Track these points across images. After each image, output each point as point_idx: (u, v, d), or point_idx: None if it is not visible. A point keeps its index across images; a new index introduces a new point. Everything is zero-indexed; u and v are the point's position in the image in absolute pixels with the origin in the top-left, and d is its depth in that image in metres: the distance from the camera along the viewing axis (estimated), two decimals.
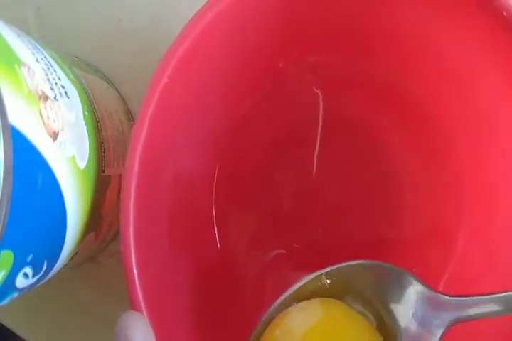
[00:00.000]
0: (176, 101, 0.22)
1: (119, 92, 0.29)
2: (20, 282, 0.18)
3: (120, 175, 0.24)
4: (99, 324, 0.30)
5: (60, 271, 0.22)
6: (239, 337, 0.26)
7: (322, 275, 0.23)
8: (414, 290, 0.22)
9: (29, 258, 0.18)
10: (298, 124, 0.29)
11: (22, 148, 0.16)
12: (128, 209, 0.20)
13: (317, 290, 0.23)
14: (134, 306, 0.20)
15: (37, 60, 0.19)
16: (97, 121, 0.23)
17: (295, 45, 0.26)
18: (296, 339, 0.22)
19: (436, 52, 0.25)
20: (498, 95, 0.24)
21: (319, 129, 0.28)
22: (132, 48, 0.29)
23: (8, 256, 0.16)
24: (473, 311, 0.21)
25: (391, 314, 0.22)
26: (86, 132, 0.21)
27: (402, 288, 0.22)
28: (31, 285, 0.19)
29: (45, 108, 0.18)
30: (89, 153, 0.21)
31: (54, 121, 0.18)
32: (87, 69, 0.26)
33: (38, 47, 0.20)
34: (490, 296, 0.21)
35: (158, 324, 0.20)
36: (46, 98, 0.18)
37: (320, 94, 0.28)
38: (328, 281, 0.23)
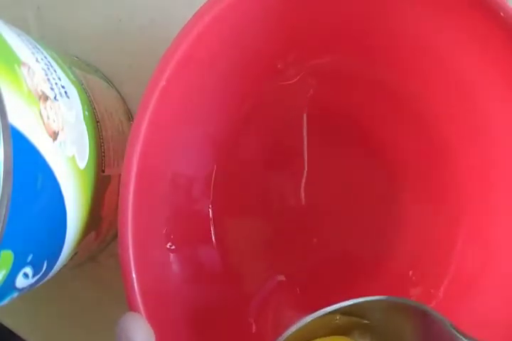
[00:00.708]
0: (174, 102, 0.22)
1: (119, 92, 0.29)
2: (20, 282, 0.18)
3: (120, 175, 0.24)
4: (99, 324, 0.30)
5: (60, 271, 0.22)
6: (237, 338, 0.26)
7: (335, 313, 0.21)
8: (438, 330, 0.20)
9: (29, 258, 0.18)
10: (296, 127, 0.29)
11: (22, 148, 0.16)
12: (126, 211, 0.20)
13: (326, 323, 0.21)
14: (132, 308, 0.20)
15: (37, 60, 0.19)
16: (97, 121, 0.23)
17: (294, 46, 0.26)
18: None
19: (436, 52, 0.25)
20: (497, 95, 0.24)
21: (305, 133, 0.28)
22: (132, 48, 0.29)
23: (8, 256, 0.16)
24: None
25: None
26: (86, 132, 0.21)
27: (426, 327, 0.21)
28: (31, 285, 0.19)
29: (45, 108, 0.18)
30: (89, 153, 0.21)
31: (54, 121, 0.18)
32: (87, 69, 0.26)
33: (38, 47, 0.20)
34: None
35: (157, 325, 0.20)
36: (46, 98, 0.18)
37: (319, 95, 0.28)
38: (337, 317, 0.21)
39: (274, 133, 0.29)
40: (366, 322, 0.22)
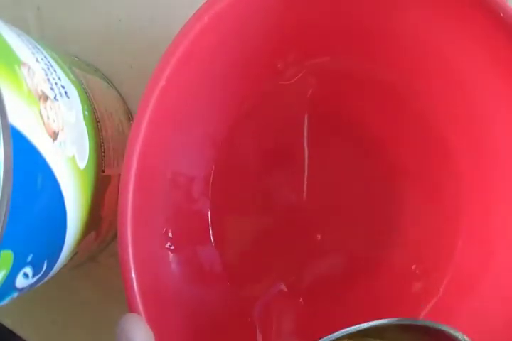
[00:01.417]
0: (174, 102, 0.22)
1: (119, 92, 0.29)
2: (20, 282, 0.18)
3: (120, 175, 0.24)
4: (99, 324, 0.30)
5: (60, 271, 0.22)
6: (240, 338, 0.26)
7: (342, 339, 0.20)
8: None
9: (29, 258, 0.18)
10: (295, 126, 0.29)
11: (22, 148, 0.16)
12: (126, 210, 0.20)
13: None
14: (131, 307, 0.20)
15: (37, 60, 0.19)
16: (97, 121, 0.23)
17: (294, 45, 0.26)
18: None
19: (436, 52, 0.25)
20: (498, 95, 0.24)
21: (306, 133, 0.28)
22: (132, 48, 0.29)
23: (8, 256, 0.16)
24: None
25: None
26: (86, 132, 0.21)
27: None
28: (31, 285, 0.19)
29: (45, 108, 0.18)
30: (89, 153, 0.21)
31: (54, 121, 0.18)
32: (87, 69, 0.26)
33: (38, 47, 0.20)
34: None
35: (156, 325, 0.20)
36: (46, 98, 0.18)
37: (320, 94, 0.28)
38: None
39: (273, 133, 0.29)
40: None
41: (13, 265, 0.17)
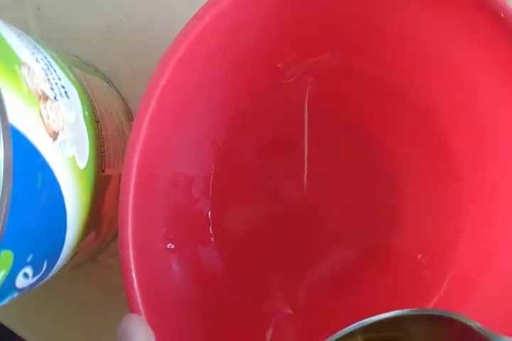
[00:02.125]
0: (175, 101, 0.22)
1: (119, 92, 0.29)
2: (20, 282, 0.18)
3: (120, 175, 0.24)
4: (99, 324, 0.30)
5: (60, 271, 0.22)
6: (239, 338, 0.26)
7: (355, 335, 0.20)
8: (471, 334, 0.20)
9: (29, 258, 0.18)
10: (295, 125, 0.29)
11: (22, 148, 0.16)
12: (126, 210, 0.20)
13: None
14: (132, 307, 0.20)
15: (37, 60, 0.19)
16: (97, 121, 0.23)
17: (294, 45, 0.26)
18: None
19: (436, 52, 0.25)
20: (497, 94, 0.24)
21: (307, 131, 0.28)
22: (132, 48, 0.29)
23: (8, 256, 0.16)
24: None
25: None
26: (86, 132, 0.21)
27: (456, 333, 0.20)
28: (31, 285, 0.19)
29: (45, 108, 0.18)
30: (89, 153, 0.21)
31: (54, 121, 0.18)
32: (87, 69, 0.26)
33: (38, 47, 0.20)
34: None
35: (157, 325, 0.20)
36: (46, 98, 0.18)
37: (320, 93, 0.28)
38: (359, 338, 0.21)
39: (273, 132, 0.29)
40: (392, 335, 0.21)
41: (13, 265, 0.17)
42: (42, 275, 0.19)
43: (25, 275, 0.18)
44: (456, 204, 0.27)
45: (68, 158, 0.19)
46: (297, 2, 0.24)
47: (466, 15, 0.23)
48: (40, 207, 0.17)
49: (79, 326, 0.30)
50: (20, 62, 0.17)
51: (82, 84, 0.23)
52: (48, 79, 0.19)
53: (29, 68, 0.18)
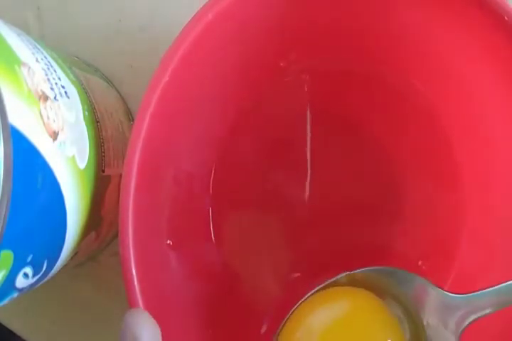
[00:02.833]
0: (176, 100, 0.22)
1: (119, 92, 0.29)
2: (20, 282, 0.18)
3: (120, 175, 0.24)
4: (100, 323, 0.30)
5: (60, 270, 0.22)
6: (240, 338, 0.26)
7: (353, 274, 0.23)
8: (426, 294, 0.22)
9: (29, 258, 0.18)
10: (296, 124, 0.29)
11: (22, 148, 0.16)
12: (127, 208, 0.20)
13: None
14: (132, 306, 0.20)
15: (37, 60, 0.19)
16: (97, 121, 0.23)
17: (296, 44, 0.26)
18: (316, 330, 0.22)
19: (436, 52, 0.25)
20: (498, 94, 0.24)
21: (309, 130, 0.28)
22: (132, 48, 0.29)
23: (8, 256, 0.16)
24: (485, 305, 0.21)
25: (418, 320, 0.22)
26: (86, 132, 0.21)
27: (416, 291, 0.22)
28: (31, 285, 0.19)
29: (45, 108, 0.18)
30: (89, 153, 0.21)
31: (54, 121, 0.18)
32: (87, 69, 0.26)
33: (38, 47, 0.20)
34: (495, 288, 0.21)
35: (158, 323, 0.20)
36: (46, 98, 0.18)
37: (321, 92, 0.28)
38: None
39: (275, 130, 0.29)
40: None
41: (13, 265, 0.17)
42: (42, 275, 0.19)
43: (25, 275, 0.18)
44: (457, 204, 0.27)
45: (68, 158, 0.19)
46: (297, 3, 0.24)
47: (466, 15, 0.23)
48: (40, 207, 0.17)
49: (79, 326, 0.30)
50: (20, 62, 0.17)
51: (82, 84, 0.23)
52: (48, 79, 0.19)
53: (29, 68, 0.18)
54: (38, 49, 0.20)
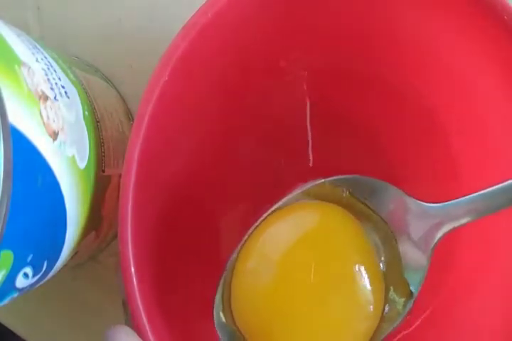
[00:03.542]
0: (175, 100, 0.22)
1: (119, 92, 0.29)
2: (20, 282, 0.18)
3: (120, 175, 0.24)
4: (99, 324, 0.30)
5: (60, 270, 0.22)
6: None
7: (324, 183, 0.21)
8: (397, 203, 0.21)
9: (29, 258, 0.18)
10: (296, 124, 0.29)
11: (22, 148, 0.16)
12: (126, 210, 0.20)
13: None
14: (132, 306, 0.20)
15: (37, 60, 0.19)
16: (97, 121, 0.23)
17: (296, 44, 0.26)
18: (281, 244, 0.20)
19: (436, 52, 0.25)
20: (498, 94, 0.24)
21: (309, 129, 0.28)
22: (132, 48, 0.29)
23: (8, 256, 0.16)
24: (460, 214, 0.20)
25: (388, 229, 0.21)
26: (86, 132, 0.21)
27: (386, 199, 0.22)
28: (31, 285, 0.19)
29: (45, 108, 0.18)
30: (89, 153, 0.21)
31: (54, 121, 0.18)
32: (87, 70, 0.26)
33: (38, 47, 0.20)
34: (472, 196, 0.20)
35: (157, 324, 0.20)
36: (46, 98, 0.18)
37: (318, 93, 0.28)
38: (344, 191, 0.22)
39: (275, 131, 0.29)
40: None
41: (13, 265, 0.17)
42: (42, 275, 0.19)
43: (25, 275, 0.18)
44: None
45: (68, 158, 0.19)
46: (297, 2, 0.24)
47: (466, 15, 0.23)
48: (40, 207, 0.17)
49: (79, 326, 0.30)
50: (20, 63, 0.17)
51: (82, 84, 0.23)
52: (48, 79, 0.19)
53: (29, 68, 0.18)
54: (38, 49, 0.20)
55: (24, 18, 0.30)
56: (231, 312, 0.22)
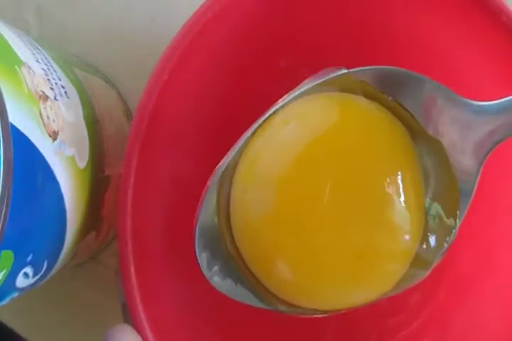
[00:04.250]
0: (174, 100, 0.22)
1: (119, 92, 0.29)
2: (21, 282, 0.18)
3: (120, 175, 0.24)
4: (100, 324, 0.29)
5: (60, 270, 0.22)
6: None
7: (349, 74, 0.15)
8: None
9: (29, 258, 0.18)
10: None
11: (22, 148, 0.16)
12: (125, 210, 0.20)
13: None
14: (132, 305, 0.20)
15: (37, 60, 0.19)
16: (97, 121, 0.23)
17: (296, 44, 0.26)
18: (295, 143, 0.16)
19: (436, 52, 0.25)
20: (496, 95, 0.24)
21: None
22: (132, 48, 0.29)
23: (8, 255, 0.16)
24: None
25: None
26: (86, 132, 0.21)
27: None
28: (31, 285, 0.19)
29: (45, 108, 0.18)
30: (89, 153, 0.21)
31: (54, 121, 0.18)
32: (87, 69, 0.26)
33: (38, 47, 0.20)
34: None
35: (156, 324, 0.20)
36: (46, 98, 0.18)
37: None
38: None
39: None
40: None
41: (14, 265, 0.17)
42: (42, 275, 0.19)
43: (26, 275, 0.18)
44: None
45: (68, 157, 0.19)
46: (297, 2, 0.24)
47: (465, 16, 0.23)
48: (40, 207, 0.17)
49: (79, 326, 0.30)
50: (20, 63, 0.17)
51: (82, 84, 0.23)
52: (48, 80, 0.19)
53: (29, 68, 0.18)
54: (38, 49, 0.20)
55: (24, 18, 0.30)
56: (231, 236, 0.18)
